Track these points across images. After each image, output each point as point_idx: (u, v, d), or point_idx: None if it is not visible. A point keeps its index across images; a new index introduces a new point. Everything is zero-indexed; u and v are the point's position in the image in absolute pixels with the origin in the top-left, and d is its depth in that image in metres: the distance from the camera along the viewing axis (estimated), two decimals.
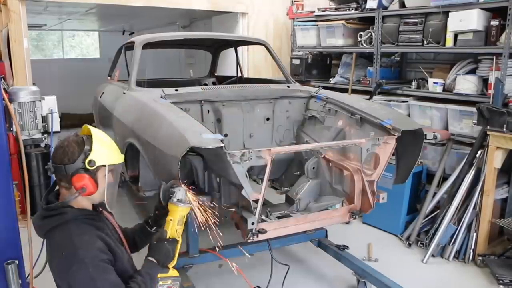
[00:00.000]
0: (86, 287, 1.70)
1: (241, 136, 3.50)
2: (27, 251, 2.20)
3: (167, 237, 1.96)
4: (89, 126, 1.91)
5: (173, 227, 1.97)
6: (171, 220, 1.98)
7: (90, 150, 1.79)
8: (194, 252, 3.15)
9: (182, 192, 2.01)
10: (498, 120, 3.50)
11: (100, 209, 1.96)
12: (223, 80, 5.05)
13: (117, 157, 1.90)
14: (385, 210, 3.73)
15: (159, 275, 1.92)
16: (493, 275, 3.42)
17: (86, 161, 1.77)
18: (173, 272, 1.98)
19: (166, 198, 2.04)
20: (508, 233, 3.85)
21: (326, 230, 3.64)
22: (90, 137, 1.84)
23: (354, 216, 2.95)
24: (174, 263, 1.99)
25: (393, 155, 2.95)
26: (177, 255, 1.98)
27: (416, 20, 4.37)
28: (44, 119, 4.58)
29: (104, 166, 1.82)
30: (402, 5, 4.59)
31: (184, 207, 1.98)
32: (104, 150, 1.84)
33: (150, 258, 1.93)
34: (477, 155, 3.79)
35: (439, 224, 3.82)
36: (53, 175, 1.84)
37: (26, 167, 2.20)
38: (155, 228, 2.18)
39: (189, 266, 3.14)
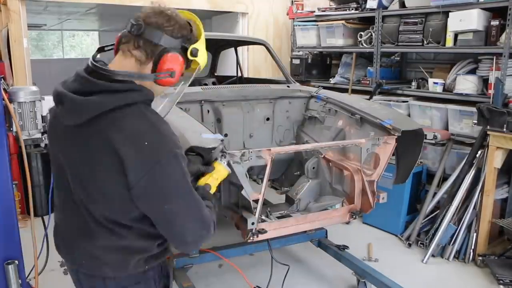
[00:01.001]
0: (176, 187, 1.32)
1: (241, 136, 3.50)
2: (28, 251, 2.20)
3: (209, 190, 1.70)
4: (196, 17, 1.52)
5: (215, 185, 1.80)
6: (217, 179, 1.82)
7: (197, 39, 1.45)
8: (194, 252, 3.15)
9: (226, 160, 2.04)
10: (498, 120, 3.50)
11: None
12: (223, 80, 5.05)
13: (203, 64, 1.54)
14: (385, 210, 3.73)
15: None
16: (493, 275, 3.42)
17: (191, 47, 1.41)
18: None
19: (215, 156, 1.93)
20: (508, 233, 3.85)
21: (326, 230, 3.64)
22: (194, 27, 1.48)
23: (354, 216, 2.95)
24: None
25: (393, 155, 2.95)
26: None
27: (416, 20, 4.36)
28: (44, 119, 4.57)
29: (198, 64, 1.49)
30: (402, 5, 4.59)
31: (228, 172, 1.88)
32: (204, 50, 1.49)
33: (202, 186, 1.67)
34: (477, 155, 3.79)
35: (439, 224, 3.82)
36: (133, 32, 1.39)
37: (27, 167, 2.21)
38: None
39: (189, 266, 3.14)
